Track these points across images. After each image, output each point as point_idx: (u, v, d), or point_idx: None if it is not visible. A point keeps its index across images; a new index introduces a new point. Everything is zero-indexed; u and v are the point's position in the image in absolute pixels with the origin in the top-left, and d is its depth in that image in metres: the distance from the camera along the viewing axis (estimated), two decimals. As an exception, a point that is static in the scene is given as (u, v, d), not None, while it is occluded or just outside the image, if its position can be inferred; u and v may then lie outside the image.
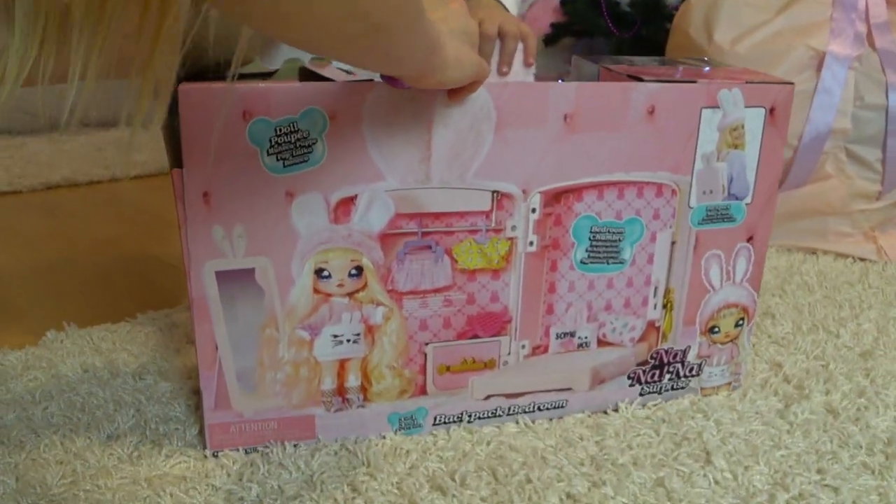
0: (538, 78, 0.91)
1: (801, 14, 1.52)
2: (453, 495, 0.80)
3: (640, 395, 0.98)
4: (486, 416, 0.93)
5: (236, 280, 0.82)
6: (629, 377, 0.97)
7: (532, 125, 0.83)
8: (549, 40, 2.29)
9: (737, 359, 1.01)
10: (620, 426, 0.93)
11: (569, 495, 0.81)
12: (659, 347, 0.97)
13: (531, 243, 0.88)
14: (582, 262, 0.90)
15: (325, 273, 0.83)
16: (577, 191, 0.87)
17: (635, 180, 0.88)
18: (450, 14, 0.68)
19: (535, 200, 0.86)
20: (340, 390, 0.88)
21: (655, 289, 0.94)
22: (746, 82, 0.89)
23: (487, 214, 0.85)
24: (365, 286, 0.84)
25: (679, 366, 0.98)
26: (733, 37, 1.53)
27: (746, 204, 0.93)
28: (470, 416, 0.93)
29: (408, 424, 0.91)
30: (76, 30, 0.44)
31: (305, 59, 0.86)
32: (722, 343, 0.99)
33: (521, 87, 0.83)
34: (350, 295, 0.84)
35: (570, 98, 0.83)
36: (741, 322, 0.99)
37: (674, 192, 0.90)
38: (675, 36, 1.68)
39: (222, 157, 0.77)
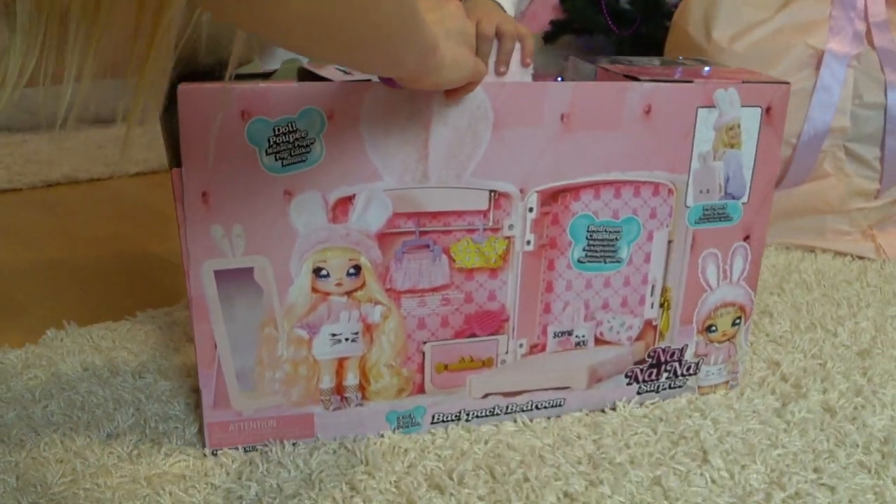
0: (537, 74, 0.92)
1: (801, 12, 1.53)
2: (451, 494, 0.81)
3: (638, 393, 0.98)
4: (483, 414, 0.94)
5: (235, 279, 0.82)
6: (627, 376, 0.97)
7: (529, 125, 0.83)
8: (549, 37, 2.29)
9: (734, 357, 1.01)
10: (618, 425, 0.94)
11: (566, 494, 0.81)
12: (656, 346, 0.97)
13: (528, 242, 0.88)
14: (579, 261, 0.90)
15: (324, 272, 0.83)
16: (574, 190, 0.87)
17: (632, 179, 0.88)
18: (446, 16, 0.68)
19: (533, 200, 0.86)
20: (339, 389, 0.88)
21: (652, 288, 0.94)
22: (743, 82, 0.89)
23: (485, 214, 0.85)
24: (363, 285, 0.85)
25: (676, 364, 0.99)
26: (732, 34, 1.53)
27: (743, 203, 0.93)
28: (468, 414, 0.93)
29: (406, 423, 0.92)
30: (72, 31, 0.45)
31: (304, 59, 0.87)
32: (719, 342, 0.99)
33: (518, 87, 0.84)
34: (348, 294, 0.85)
35: (567, 98, 0.83)
36: (738, 321, 0.99)
37: (670, 191, 0.90)
38: (674, 33, 1.68)
39: (221, 157, 0.77)
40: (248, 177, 0.78)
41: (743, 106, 0.89)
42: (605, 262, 0.91)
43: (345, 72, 0.82)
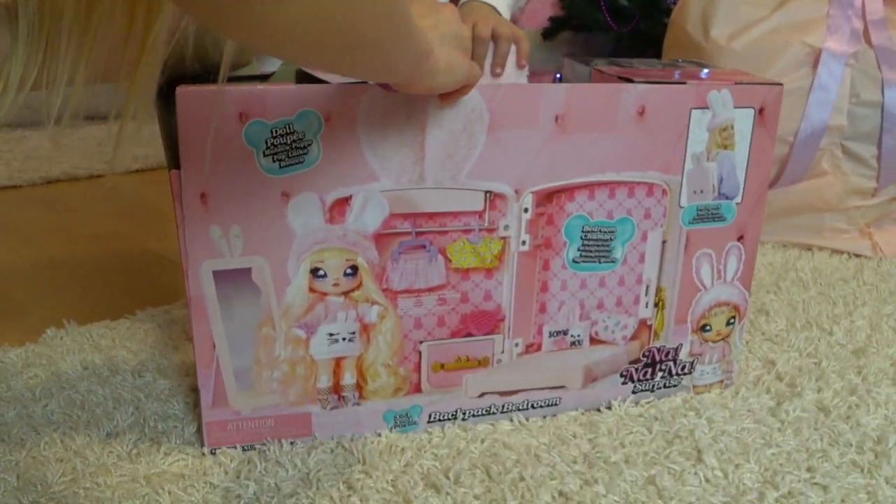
0: (536, 71, 0.92)
1: (798, 11, 1.53)
2: (447, 493, 0.82)
3: (633, 392, 0.99)
4: (480, 413, 0.94)
5: (233, 279, 0.83)
6: (622, 375, 0.98)
7: (524, 126, 0.84)
8: (548, 34, 2.30)
9: (729, 357, 1.02)
10: (613, 424, 0.95)
11: (561, 493, 0.82)
12: (651, 345, 0.98)
13: (524, 243, 0.89)
14: (574, 261, 0.91)
15: (321, 272, 0.84)
16: (568, 191, 0.88)
17: (626, 180, 0.89)
18: (440, 20, 0.69)
19: (528, 200, 0.87)
20: (336, 388, 0.89)
21: (647, 287, 0.95)
22: (736, 83, 0.90)
23: (480, 214, 0.86)
24: (360, 285, 0.85)
25: (671, 364, 0.99)
26: (730, 33, 1.54)
27: (737, 203, 0.94)
28: (464, 413, 0.94)
29: (403, 422, 0.92)
30: (64, 39, 0.45)
31: (301, 61, 0.87)
32: (714, 341, 1.00)
33: (514, 89, 0.84)
34: (345, 294, 0.85)
35: (562, 99, 0.84)
36: (732, 320, 1.00)
37: (664, 191, 0.91)
38: (673, 31, 1.69)
39: (219, 159, 0.78)
40: (246, 178, 0.79)
41: (736, 107, 0.90)
42: (600, 262, 0.92)
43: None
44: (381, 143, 0.81)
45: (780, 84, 0.91)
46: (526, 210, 0.87)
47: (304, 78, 0.82)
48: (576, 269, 0.91)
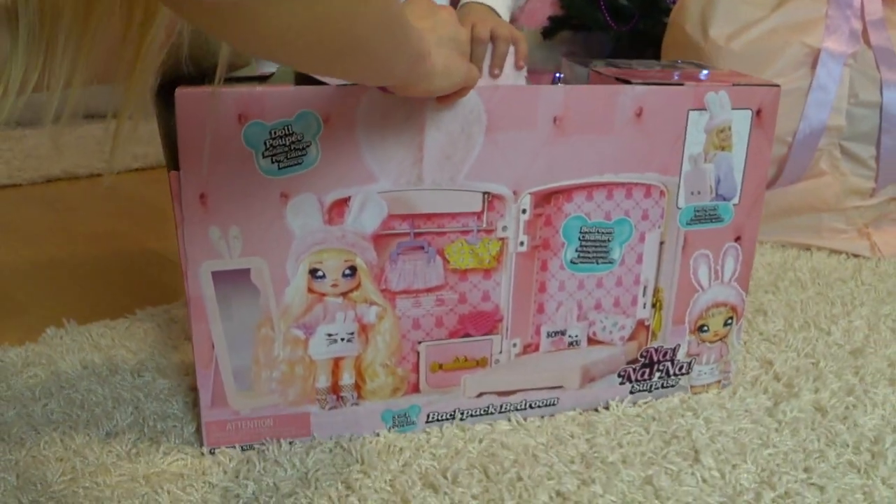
0: (536, 70, 0.92)
1: (797, 11, 1.53)
2: (445, 493, 0.82)
3: (631, 392, 0.99)
4: (478, 413, 0.95)
5: (232, 280, 0.83)
6: (619, 375, 0.98)
7: (522, 128, 0.84)
8: (547, 34, 2.30)
9: (726, 357, 1.02)
10: (611, 424, 0.95)
11: (558, 493, 0.82)
12: (649, 346, 0.98)
13: (522, 243, 0.89)
14: (572, 261, 0.91)
15: (320, 273, 0.84)
16: (566, 192, 0.88)
17: (624, 181, 0.89)
18: (438, 23, 0.69)
19: (526, 201, 0.87)
20: (335, 388, 0.89)
21: (645, 288, 0.95)
22: (733, 85, 0.90)
23: (478, 215, 0.86)
24: (358, 286, 0.86)
25: (669, 364, 1.00)
26: (729, 33, 1.54)
27: (734, 204, 0.94)
28: (462, 413, 0.94)
29: (401, 422, 0.93)
30: (61, 42, 0.46)
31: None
32: (711, 342, 1.00)
33: (512, 91, 0.84)
34: (344, 295, 0.86)
35: (560, 101, 0.84)
36: (730, 321, 1.00)
37: (662, 192, 0.91)
38: (672, 31, 1.69)
39: (218, 160, 0.78)
40: (245, 179, 0.79)
41: (733, 108, 0.90)
42: (598, 263, 0.92)
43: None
44: (380, 144, 0.81)
45: (778, 86, 0.92)
46: (524, 211, 0.87)
47: (302, 79, 0.83)
48: (574, 270, 0.92)
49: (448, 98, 0.77)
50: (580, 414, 0.97)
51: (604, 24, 2.20)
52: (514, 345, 0.93)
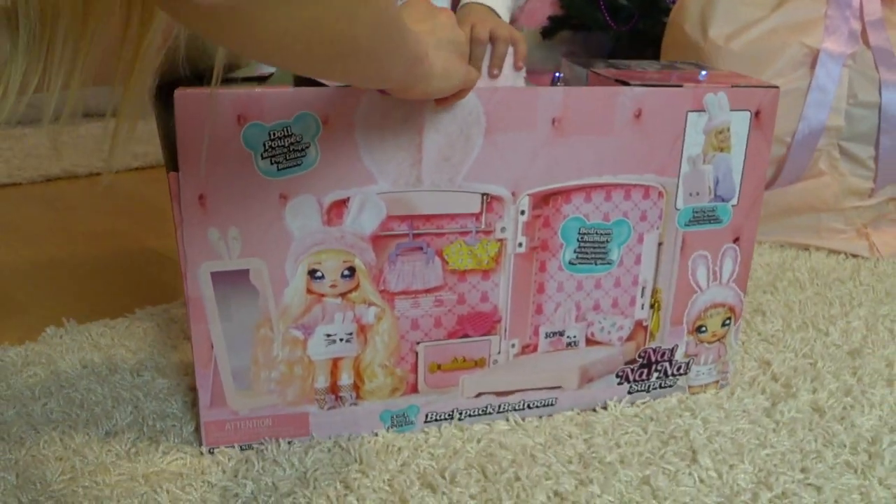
0: (535, 70, 0.93)
1: (796, 11, 1.53)
2: (443, 493, 0.82)
3: (629, 393, 1.00)
4: (476, 413, 0.95)
5: (231, 281, 0.83)
6: (617, 375, 0.98)
7: (521, 129, 0.84)
8: (547, 33, 2.30)
9: (724, 357, 1.02)
10: (609, 424, 0.95)
11: (556, 493, 0.83)
12: (647, 346, 0.98)
13: (520, 244, 0.89)
14: (570, 262, 0.91)
15: (318, 274, 0.85)
16: (565, 193, 0.88)
17: (623, 183, 0.90)
18: (437, 25, 0.69)
19: (524, 203, 0.87)
20: (333, 388, 0.90)
21: (643, 289, 0.95)
22: (732, 86, 0.90)
23: (477, 216, 0.87)
24: (357, 287, 0.86)
25: (667, 364, 1.00)
26: (728, 33, 1.54)
27: (732, 206, 0.95)
28: (461, 413, 0.94)
29: (400, 422, 0.93)
30: (59, 45, 0.46)
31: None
32: (709, 342, 1.01)
33: (510, 92, 0.85)
34: (343, 295, 0.86)
35: (558, 102, 0.84)
36: (728, 321, 1.00)
37: (660, 194, 0.91)
38: (671, 31, 1.69)
39: (217, 161, 0.78)
40: (244, 180, 0.79)
41: (732, 110, 0.90)
42: (596, 264, 0.92)
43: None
44: (379, 145, 0.81)
45: (777, 87, 0.92)
46: (522, 212, 0.88)
47: (302, 81, 0.83)
48: (572, 271, 0.92)
49: (447, 100, 0.78)
50: (578, 414, 0.98)
51: (603, 23, 2.20)
52: (513, 345, 0.93)
